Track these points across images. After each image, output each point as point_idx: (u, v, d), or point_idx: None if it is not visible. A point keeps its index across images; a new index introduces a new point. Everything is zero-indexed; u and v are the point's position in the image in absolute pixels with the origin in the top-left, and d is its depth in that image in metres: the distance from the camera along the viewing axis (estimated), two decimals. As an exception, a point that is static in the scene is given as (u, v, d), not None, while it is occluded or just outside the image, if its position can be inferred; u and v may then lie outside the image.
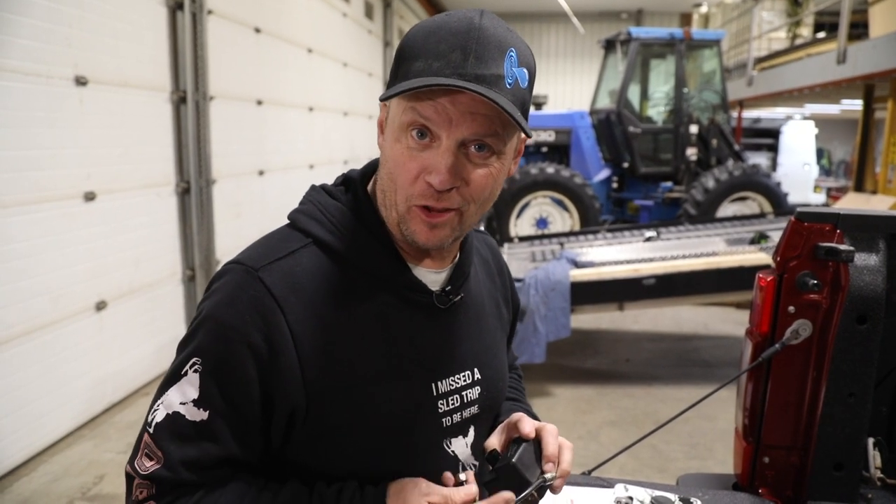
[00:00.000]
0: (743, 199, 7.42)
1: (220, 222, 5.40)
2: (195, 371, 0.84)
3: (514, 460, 0.88)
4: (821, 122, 15.25)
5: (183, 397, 0.84)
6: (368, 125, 10.54)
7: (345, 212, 0.91)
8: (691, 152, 7.95)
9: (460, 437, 0.96)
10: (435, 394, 0.93)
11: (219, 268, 0.90)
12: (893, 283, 1.36)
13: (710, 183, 7.27)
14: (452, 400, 0.94)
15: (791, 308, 1.33)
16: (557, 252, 5.12)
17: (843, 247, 1.26)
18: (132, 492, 0.85)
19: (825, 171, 17.02)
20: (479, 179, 0.83)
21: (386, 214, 0.89)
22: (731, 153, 8.10)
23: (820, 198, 13.19)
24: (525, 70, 0.83)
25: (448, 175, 0.80)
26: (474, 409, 0.98)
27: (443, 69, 0.78)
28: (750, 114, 13.50)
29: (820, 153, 16.45)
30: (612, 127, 8.31)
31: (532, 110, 9.20)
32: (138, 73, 4.44)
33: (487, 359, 1.01)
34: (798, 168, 12.82)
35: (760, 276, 1.38)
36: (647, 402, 4.41)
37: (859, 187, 8.42)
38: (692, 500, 1.31)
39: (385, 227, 0.90)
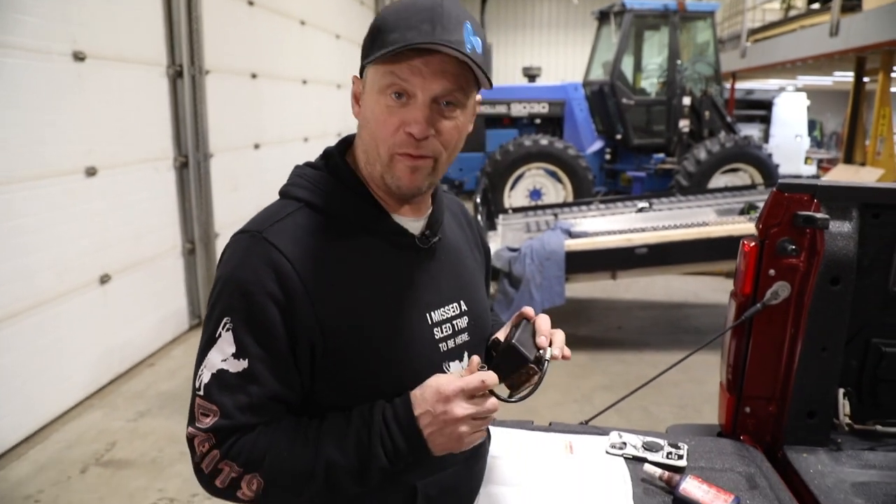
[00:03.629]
0: (734, 170, 7.51)
1: (217, 196, 5.46)
2: (227, 330, 0.95)
3: (513, 340, 1.00)
4: (813, 93, 15.29)
5: (223, 355, 0.95)
6: (362, 98, 10.52)
7: (327, 177, 1.06)
8: (684, 124, 8.02)
9: (457, 361, 1.09)
10: (430, 322, 1.06)
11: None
12: (865, 248, 1.47)
13: (702, 154, 7.34)
14: (446, 328, 1.08)
15: (771, 271, 1.44)
16: (552, 223, 5.22)
17: (819, 215, 1.37)
18: (195, 450, 0.96)
19: (817, 143, 17.08)
20: (448, 130, 0.98)
21: (370, 171, 1.03)
22: (723, 125, 8.17)
23: (811, 169, 13.27)
24: (479, 39, 0.98)
25: (425, 125, 0.95)
26: (465, 337, 1.11)
27: (416, 37, 0.92)
28: (743, 85, 13.52)
29: (812, 125, 16.49)
30: (605, 99, 8.35)
31: (525, 82, 9.20)
32: (135, 48, 4.45)
33: (471, 293, 1.14)
34: (790, 140, 12.87)
35: (744, 241, 1.49)
36: (639, 368, 4.56)
37: (849, 159, 8.53)
38: (679, 444, 1.43)
39: (365, 185, 1.05)
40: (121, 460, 3.42)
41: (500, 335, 1.07)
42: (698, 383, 4.20)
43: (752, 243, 1.45)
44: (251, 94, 6.31)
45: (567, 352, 1.05)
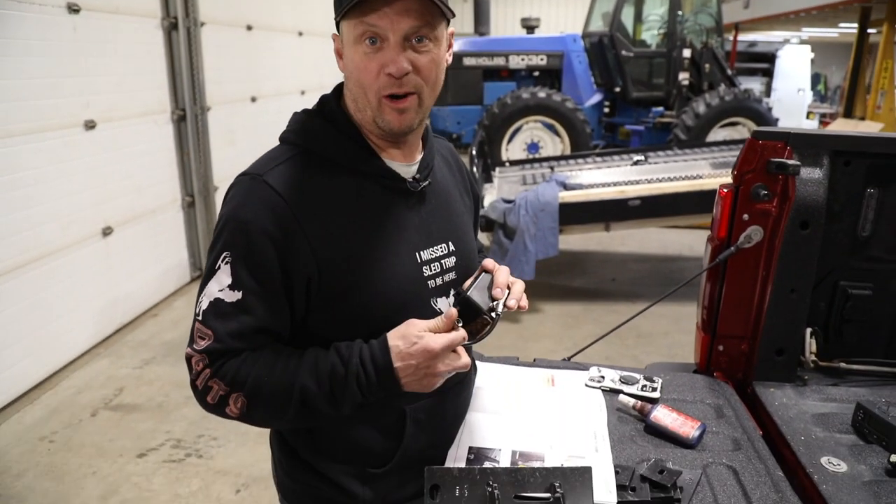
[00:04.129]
0: (733, 124, 7.50)
1: (215, 149, 5.48)
2: (226, 263, 1.04)
3: (468, 293, 1.08)
4: (819, 46, 15.06)
5: (220, 285, 1.04)
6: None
7: (323, 124, 1.12)
8: (683, 77, 7.96)
9: (444, 297, 1.17)
10: (419, 261, 1.14)
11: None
12: (835, 194, 1.54)
13: (701, 108, 7.32)
14: (434, 266, 1.16)
15: (745, 216, 1.51)
16: (548, 175, 5.26)
17: (790, 162, 1.43)
18: (192, 368, 1.06)
19: (820, 97, 16.88)
20: (425, 65, 1.04)
21: (361, 117, 1.10)
22: (723, 78, 8.11)
23: (813, 124, 13.17)
24: None
25: (401, 63, 1.01)
26: (452, 275, 1.19)
27: None
28: (746, 37, 13.32)
29: (816, 79, 16.27)
30: (604, 51, 8.27)
31: (524, 34, 9.08)
32: (128, 0, 4.42)
33: (459, 235, 1.22)
34: (792, 94, 12.73)
35: (721, 187, 1.56)
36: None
37: (849, 113, 8.49)
38: (654, 378, 1.53)
39: (360, 130, 1.11)
40: (129, 405, 3.56)
41: (466, 284, 1.14)
42: (688, 333, 4.29)
43: (728, 189, 1.52)
44: (247, 46, 6.27)
45: (524, 302, 1.13)
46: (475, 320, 1.08)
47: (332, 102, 1.14)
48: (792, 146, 1.47)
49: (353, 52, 1.04)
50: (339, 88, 1.16)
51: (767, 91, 12.50)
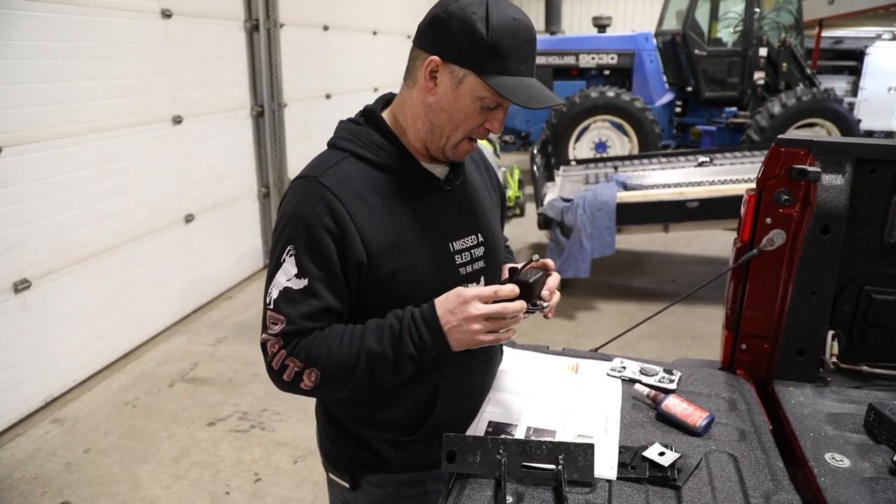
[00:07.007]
0: (811, 125, 7.22)
1: (290, 143, 5.81)
2: (290, 255, 1.19)
3: (530, 279, 1.19)
4: (916, 40, 14.11)
5: (287, 276, 1.19)
6: (432, 48, 10.62)
7: (370, 132, 1.27)
8: (759, 76, 7.73)
9: (474, 283, 1.31)
10: (452, 250, 1.28)
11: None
12: (861, 200, 1.57)
13: (777, 108, 7.09)
14: (465, 255, 1.30)
15: (768, 220, 1.57)
16: (611, 175, 5.29)
17: (811, 168, 1.49)
18: (267, 352, 1.21)
19: (917, 96, 15.84)
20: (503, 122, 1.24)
21: (427, 139, 1.23)
22: (802, 77, 7.81)
23: (905, 125, 12.42)
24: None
25: (501, 127, 1.22)
26: (481, 263, 1.33)
27: (525, 71, 1.16)
28: (831, 34, 12.68)
29: (912, 75, 15.30)
30: (677, 49, 8.14)
31: (595, 32, 9.04)
32: (215, 4, 4.77)
33: (487, 227, 1.36)
34: (882, 93, 12.05)
35: (746, 192, 1.62)
36: (687, 319, 4.66)
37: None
38: (674, 371, 1.61)
39: (400, 138, 1.25)
40: (202, 378, 3.88)
41: (519, 266, 1.26)
42: (744, 336, 4.27)
43: (753, 194, 1.59)
44: (323, 45, 6.57)
45: (551, 313, 1.27)
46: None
47: (378, 115, 1.28)
48: (814, 153, 1.52)
49: (468, 101, 1.17)
50: (380, 102, 1.32)
51: (854, 90, 11.89)
